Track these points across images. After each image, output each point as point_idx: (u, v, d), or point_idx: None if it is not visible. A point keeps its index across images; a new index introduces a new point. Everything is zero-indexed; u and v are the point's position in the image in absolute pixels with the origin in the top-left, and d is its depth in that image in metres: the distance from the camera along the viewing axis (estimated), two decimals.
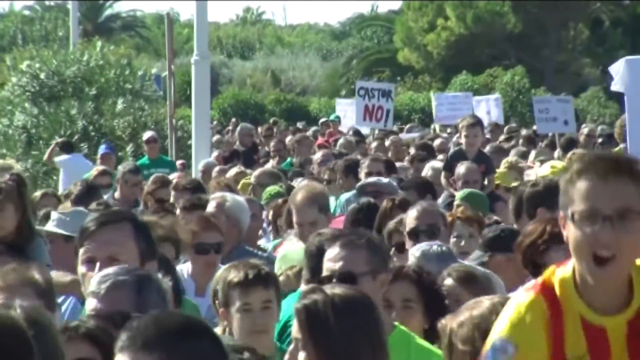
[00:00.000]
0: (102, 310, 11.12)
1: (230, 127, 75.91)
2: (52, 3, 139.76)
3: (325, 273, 13.99)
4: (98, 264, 13.16)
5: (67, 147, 50.24)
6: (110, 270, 12.09)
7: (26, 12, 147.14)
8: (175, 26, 71.44)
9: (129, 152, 54.33)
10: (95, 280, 11.73)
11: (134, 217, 14.45)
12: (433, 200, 27.11)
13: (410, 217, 21.40)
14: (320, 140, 62.29)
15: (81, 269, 13.71)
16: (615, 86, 31.89)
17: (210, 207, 22.69)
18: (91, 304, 11.55)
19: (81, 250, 13.69)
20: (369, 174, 30.01)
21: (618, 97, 41.98)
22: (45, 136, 53.51)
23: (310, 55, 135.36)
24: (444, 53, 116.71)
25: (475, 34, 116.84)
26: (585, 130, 60.00)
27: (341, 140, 54.88)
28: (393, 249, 21.21)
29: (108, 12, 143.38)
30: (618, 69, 31.08)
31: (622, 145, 41.91)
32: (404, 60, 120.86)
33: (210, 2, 54.13)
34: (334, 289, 11.78)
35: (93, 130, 55.74)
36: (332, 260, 14.01)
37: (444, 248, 20.22)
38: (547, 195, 23.27)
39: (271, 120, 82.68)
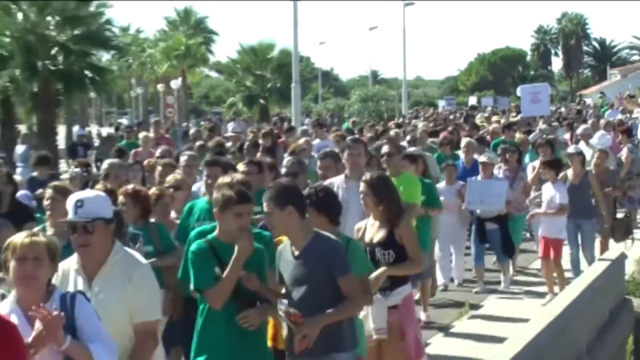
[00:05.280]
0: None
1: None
2: None
3: None
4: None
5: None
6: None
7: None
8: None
9: None
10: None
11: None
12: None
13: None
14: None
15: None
16: (518, 92, 26.49)
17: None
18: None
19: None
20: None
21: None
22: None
23: (435, 89, 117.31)
24: (471, 85, 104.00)
25: (479, 81, 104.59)
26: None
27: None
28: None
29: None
30: (522, 90, 24.94)
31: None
32: (461, 89, 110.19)
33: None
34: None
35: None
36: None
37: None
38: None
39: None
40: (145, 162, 11.08)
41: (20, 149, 20.10)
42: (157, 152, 12.90)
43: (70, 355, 4.10)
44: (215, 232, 5.94)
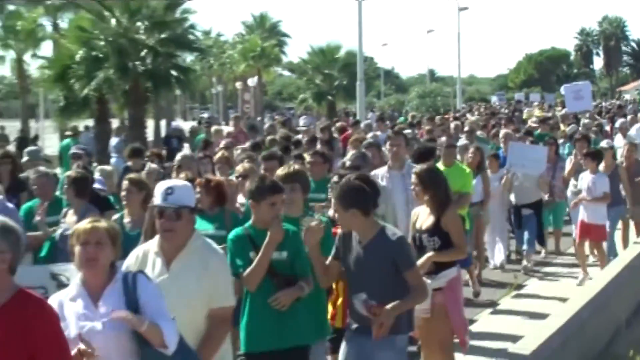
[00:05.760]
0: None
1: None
2: None
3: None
4: None
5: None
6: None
7: None
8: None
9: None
10: None
11: None
12: None
13: None
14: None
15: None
16: (562, 91, 25.93)
17: None
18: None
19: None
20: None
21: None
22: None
23: (487, 86, 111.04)
24: (520, 83, 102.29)
25: (527, 79, 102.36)
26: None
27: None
28: None
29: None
30: (565, 89, 23.71)
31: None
32: (511, 85, 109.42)
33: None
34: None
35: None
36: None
37: None
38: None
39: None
40: (217, 157, 10.64)
41: (114, 141, 20.16)
42: (221, 144, 12.72)
43: (146, 335, 4.00)
44: (251, 221, 5.90)
